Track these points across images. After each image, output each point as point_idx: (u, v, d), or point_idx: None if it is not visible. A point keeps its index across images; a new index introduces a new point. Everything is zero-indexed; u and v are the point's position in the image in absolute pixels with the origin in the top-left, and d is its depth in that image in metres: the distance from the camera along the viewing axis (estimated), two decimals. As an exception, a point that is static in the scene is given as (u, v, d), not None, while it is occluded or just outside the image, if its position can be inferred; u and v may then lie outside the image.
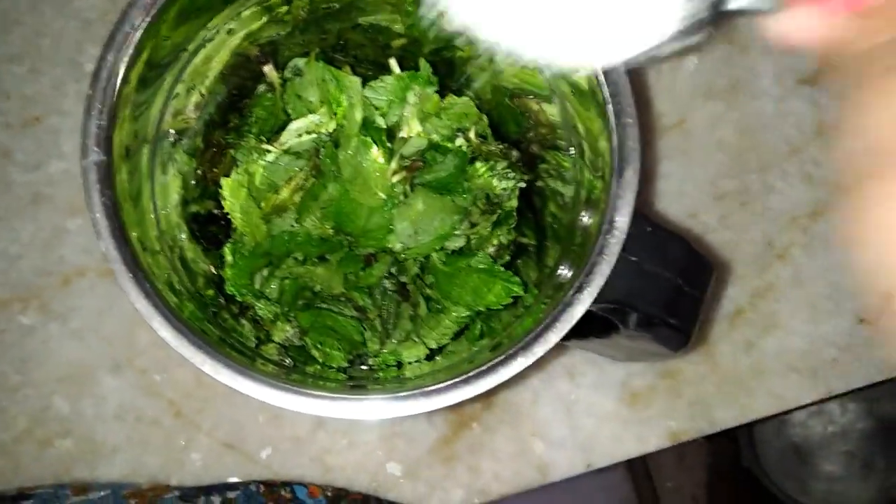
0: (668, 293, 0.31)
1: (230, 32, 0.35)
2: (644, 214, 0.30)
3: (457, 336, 0.39)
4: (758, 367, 0.51)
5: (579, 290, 0.29)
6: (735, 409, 0.51)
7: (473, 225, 0.37)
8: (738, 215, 0.52)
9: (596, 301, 0.29)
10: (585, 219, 0.32)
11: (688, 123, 0.53)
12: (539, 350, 0.29)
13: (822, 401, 0.52)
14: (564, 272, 0.32)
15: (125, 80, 0.30)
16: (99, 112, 0.29)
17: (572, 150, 0.34)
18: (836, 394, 0.52)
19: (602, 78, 0.30)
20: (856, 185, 0.54)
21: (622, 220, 0.29)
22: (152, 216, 0.33)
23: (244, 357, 0.31)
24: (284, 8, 0.36)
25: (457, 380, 0.29)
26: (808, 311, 0.51)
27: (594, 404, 0.50)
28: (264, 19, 0.36)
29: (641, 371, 0.50)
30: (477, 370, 0.29)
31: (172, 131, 0.35)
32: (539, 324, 0.29)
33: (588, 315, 0.30)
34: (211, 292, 0.36)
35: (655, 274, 0.30)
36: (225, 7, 0.34)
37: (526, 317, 0.33)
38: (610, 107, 0.29)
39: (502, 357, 0.29)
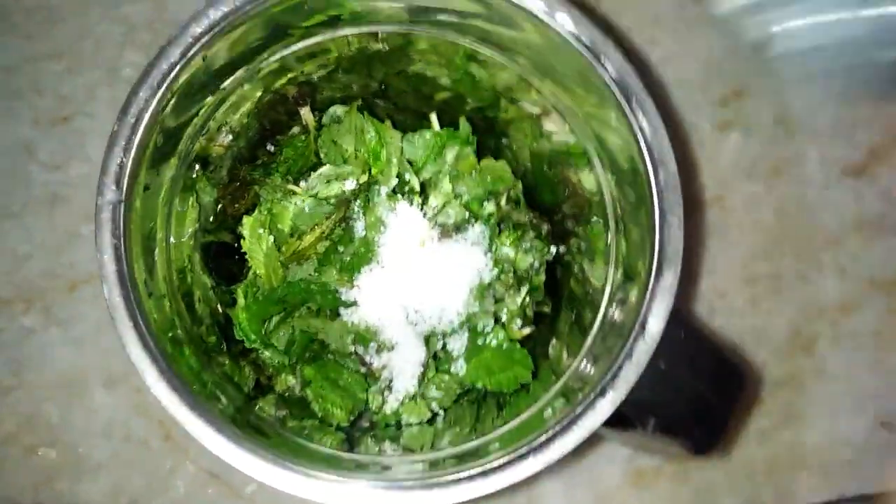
0: (695, 404, 0.29)
1: (270, 72, 0.34)
2: (679, 316, 0.29)
3: (458, 399, 0.38)
4: (770, 459, 0.49)
5: (602, 393, 0.28)
6: (742, 501, 0.49)
7: (498, 300, 0.36)
8: (768, 301, 0.51)
9: (621, 404, 0.28)
10: (616, 314, 0.30)
11: (727, 200, 0.52)
12: (554, 454, 0.27)
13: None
14: (587, 367, 0.31)
15: (153, 118, 0.29)
16: (123, 150, 0.28)
17: (610, 235, 0.33)
18: (845, 496, 0.50)
19: (650, 166, 0.28)
20: (891, 284, 0.53)
21: (656, 327, 0.28)
22: (164, 249, 0.32)
23: (237, 417, 0.30)
24: (332, 48, 0.35)
25: (460, 475, 0.27)
26: (827, 407, 0.49)
27: (596, 479, 0.48)
28: (310, 60, 0.35)
29: (649, 450, 0.49)
30: (484, 467, 0.27)
31: (197, 166, 0.34)
32: (558, 422, 0.28)
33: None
34: (213, 339, 0.34)
35: (683, 382, 0.29)
36: (269, 48, 0.32)
37: (531, 399, 0.32)
38: (656, 200, 0.28)
39: (513, 456, 0.27)
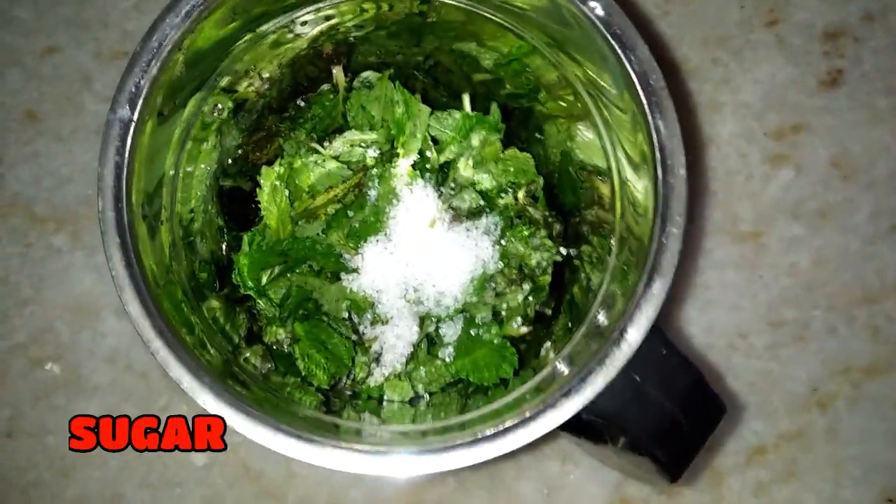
0: (664, 425, 0.28)
1: (305, 23, 0.34)
2: (664, 333, 0.28)
3: (447, 388, 0.37)
4: (763, 513, 0.47)
5: (567, 394, 0.27)
6: (725, 551, 0.47)
7: (499, 294, 0.35)
8: (790, 349, 0.48)
9: (585, 410, 0.27)
10: (601, 318, 0.29)
11: (764, 237, 0.50)
12: (508, 445, 0.27)
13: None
14: (562, 368, 0.30)
15: (177, 46, 0.29)
16: (141, 72, 0.28)
17: (614, 242, 0.32)
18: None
19: (659, 170, 0.27)
20: (925, 353, 0.49)
21: (635, 335, 0.27)
22: (170, 179, 0.32)
23: (222, 368, 0.30)
24: (370, 7, 0.35)
25: (422, 448, 0.27)
26: (833, 471, 0.47)
27: (579, 498, 0.47)
28: (359, 13, 0.34)
29: (639, 478, 0.47)
30: (443, 445, 0.27)
31: (220, 105, 0.34)
32: (518, 416, 0.27)
33: (577, 417, 0.28)
34: (205, 275, 0.35)
35: (656, 401, 0.28)
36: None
37: (504, 398, 0.31)
38: (660, 207, 0.27)
39: (471, 439, 0.27)
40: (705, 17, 0.51)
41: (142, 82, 0.28)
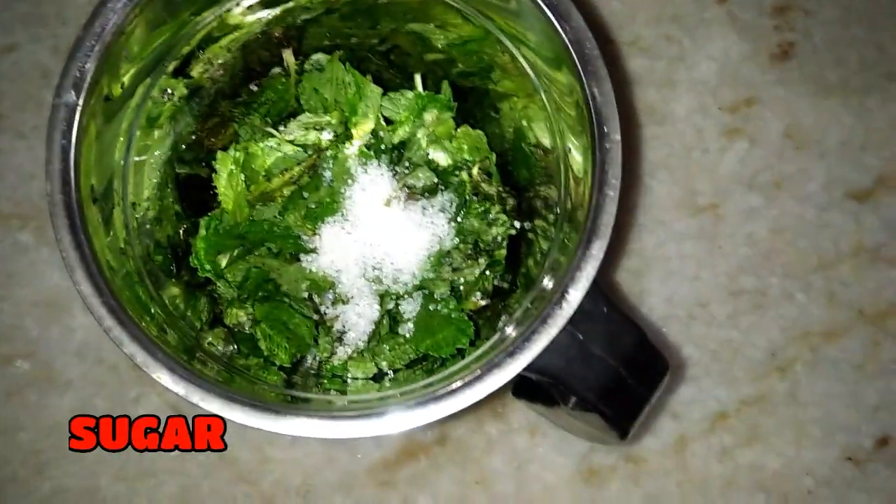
0: (609, 382, 0.29)
1: (249, 8, 0.35)
2: (606, 294, 0.29)
3: (412, 365, 0.38)
4: (727, 477, 0.48)
5: (511, 354, 0.28)
6: (691, 515, 0.48)
7: (456, 269, 0.36)
8: (749, 316, 0.50)
9: (532, 370, 0.28)
10: (546, 282, 0.30)
11: (722, 209, 0.51)
12: (459, 403, 0.28)
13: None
14: (510, 331, 0.31)
15: (121, 31, 0.29)
16: (85, 57, 0.29)
17: (559, 210, 0.33)
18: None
19: (596, 135, 0.28)
20: (880, 316, 0.51)
21: (575, 294, 0.28)
22: (121, 163, 0.33)
23: (183, 351, 0.31)
24: None
25: (365, 412, 0.28)
26: (794, 433, 0.48)
27: (548, 468, 0.48)
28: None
29: (606, 449, 0.48)
30: (383, 407, 0.28)
31: (169, 90, 0.34)
32: (467, 376, 0.28)
33: (530, 381, 0.29)
34: (160, 258, 0.35)
35: (599, 358, 0.28)
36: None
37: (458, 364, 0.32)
38: (597, 171, 0.28)
39: (422, 399, 0.28)
40: (658, -6, 0.52)
41: (86, 67, 0.29)
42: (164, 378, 0.29)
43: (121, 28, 0.29)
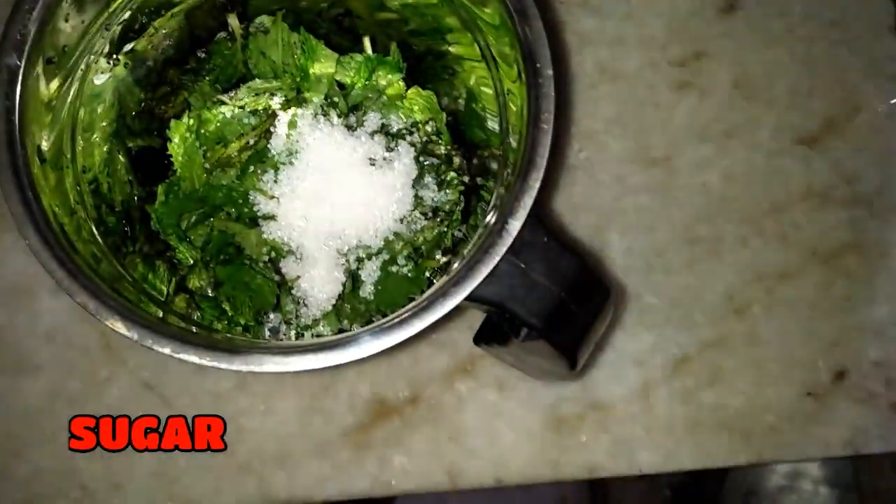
0: (552, 307, 0.30)
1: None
2: (546, 225, 0.30)
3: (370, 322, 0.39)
4: (692, 418, 0.49)
5: (456, 283, 0.29)
6: (659, 457, 0.49)
7: (415, 231, 0.37)
8: (705, 263, 0.51)
9: (478, 300, 0.29)
10: (489, 218, 0.31)
11: (674, 161, 0.52)
12: (407, 332, 0.29)
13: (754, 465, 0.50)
14: (457, 265, 0.32)
15: (61, -6, 0.30)
16: (24, 18, 0.29)
17: (501, 155, 0.34)
18: (764, 461, 0.50)
19: (530, 78, 0.29)
20: (832, 256, 0.53)
21: (514, 224, 0.29)
22: (68, 130, 0.33)
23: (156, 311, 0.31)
24: None
25: (321, 345, 0.29)
26: (754, 372, 0.50)
27: (518, 421, 0.49)
28: None
29: (573, 398, 0.49)
30: (339, 340, 0.29)
31: (116, 56, 0.35)
32: (413, 307, 0.29)
33: (488, 328, 0.29)
34: (113, 220, 0.36)
35: (542, 285, 0.29)
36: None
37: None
38: (531, 105, 0.29)
39: (372, 329, 0.29)
40: (603, -47, 0.53)
41: (27, 28, 0.29)
42: (118, 325, 0.29)
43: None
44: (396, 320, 0.29)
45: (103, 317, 0.29)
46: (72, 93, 0.33)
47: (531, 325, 0.30)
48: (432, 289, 0.30)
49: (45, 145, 0.31)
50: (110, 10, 0.33)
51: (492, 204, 0.32)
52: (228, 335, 0.33)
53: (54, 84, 0.31)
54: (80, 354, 0.49)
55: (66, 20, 0.31)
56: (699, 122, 0.52)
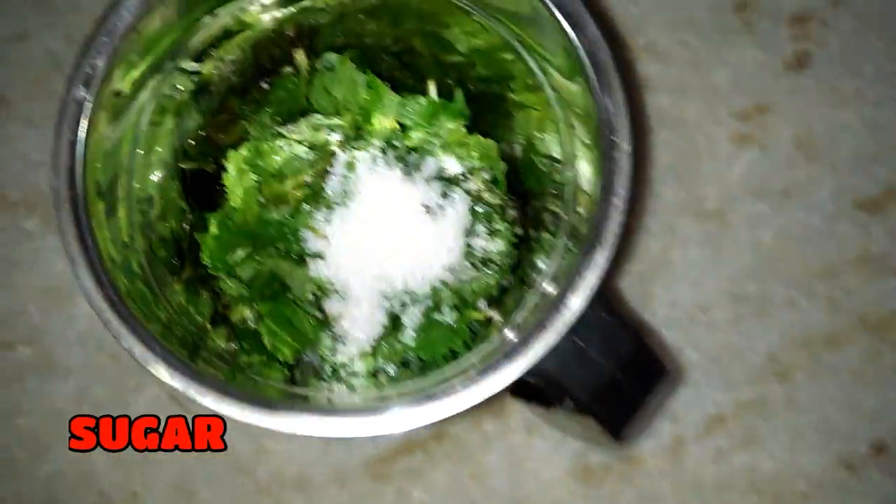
0: (604, 384, 0.29)
1: (264, 7, 0.34)
2: (607, 299, 0.29)
3: (407, 363, 0.38)
4: (722, 479, 0.48)
5: (509, 358, 0.28)
6: (686, 517, 0.48)
7: (463, 280, 0.36)
8: (751, 321, 0.50)
9: (529, 373, 0.28)
10: (546, 285, 0.30)
11: (728, 215, 0.51)
12: (455, 406, 0.28)
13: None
14: (509, 336, 0.31)
15: (134, 28, 0.29)
16: (97, 53, 0.29)
17: (565, 216, 0.33)
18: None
19: (603, 143, 0.28)
20: (882, 325, 0.51)
21: (576, 302, 0.28)
22: (129, 155, 0.32)
23: (185, 347, 0.31)
24: None
25: (363, 409, 0.28)
26: (791, 438, 0.48)
27: (543, 466, 0.48)
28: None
29: (603, 449, 0.48)
30: (381, 406, 0.28)
31: (179, 86, 0.34)
32: (465, 379, 0.28)
33: (527, 382, 0.29)
34: (163, 253, 0.35)
35: (597, 362, 0.29)
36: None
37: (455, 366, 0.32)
38: (604, 178, 0.28)
39: (419, 399, 0.28)
40: (675, 0, 0.52)
41: (97, 62, 0.29)
42: (162, 373, 0.29)
43: (134, 25, 0.29)
44: (443, 389, 0.28)
45: (149, 364, 0.29)
46: (134, 123, 0.32)
47: (580, 401, 0.29)
48: (483, 362, 0.29)
49: (102, 178, 0.30)
50: (182, 42, 0.32)
51: (549, 270, 0.32)
52: (271, 381, 0.33)
53: (119, 116, 0.31)
54: (111, 361, 0.49)
55: (138, 54, 0.30)
56: (757, 177, 0.51)
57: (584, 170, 0.31)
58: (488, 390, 0.28)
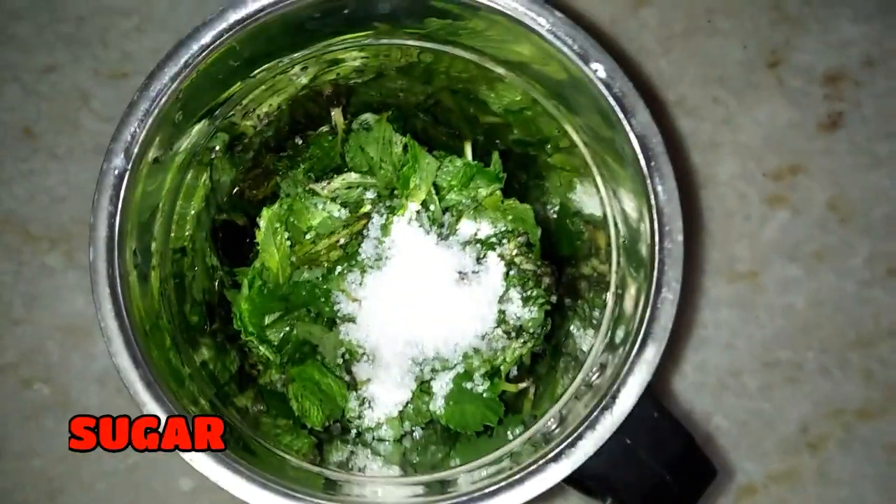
0: (653, 489, 0.28)
1: (303, 69, 0.34)
2: (656, 397, 0.28)
3: (429, 423, 0.37)
4: (751, 555, 0.47)
5: (555, 459, 0.27)
6: (712, 591, 0.47)
7: (495, 349, 0.35)
8: (782, 389, 0.48)
9: (575, 472, 0.27)
10: (594, 377, 0.29)
11: (761, 278, 0.50)
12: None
13: None
14: (552, 426, 0.30)
15: (175, 95, 0.29)
16: (139, 121, 0.28)
17: (609, 298, 0.32)
18: None
19: (656, 234, 0.27)
20: (918, 399, 0.49)
21: (627, 401, 0.27)
22: (164, 221, 0.32)
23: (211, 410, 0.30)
24: (390, 52, 0.34)
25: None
26: (823, 514, 0.47)
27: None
28: (367, 58, 0.34)
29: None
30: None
31: (217, 146, 0.34)
32: (507, 479, 0.27)
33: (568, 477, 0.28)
34: (196, 318, 0.34)
35: (646, 464, 0.27)
36: (300, 46, 0.32)
37: (490, 452, 0.31)
38: (655, 272, 0.27)
39: (451, 501, 0.27)
40: (707, 55, 0.51)
41: (138, 131, 0.28)
42: (195, 459, 0.28)
43: (175, 93, 0.29)
44: (488, 490, 0.27)
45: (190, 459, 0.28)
46: (169, 186, 0.32)
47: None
48: (528, 458, 0.28)
49: (137, 245, 0.30)
50: (221, 106, 0.32)
51: (591, 359, 0.30)
52: (295, 457, 0.32)
53: (155, 181, 0.30)
54: (129, 403, 0.48)
55: (178, 120, 0.30)
56: (790, 240, 0.50)
57: (631, 245, 0.30)
58: (531, 493, 0.27)
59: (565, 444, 0.27)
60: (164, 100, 0.28)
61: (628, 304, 0.30)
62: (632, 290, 0.30)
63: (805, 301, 0.49)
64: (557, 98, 0.33)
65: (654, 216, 0.27)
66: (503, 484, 0.27)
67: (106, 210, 0.28)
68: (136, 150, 0.28)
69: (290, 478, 0.29)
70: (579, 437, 0.27)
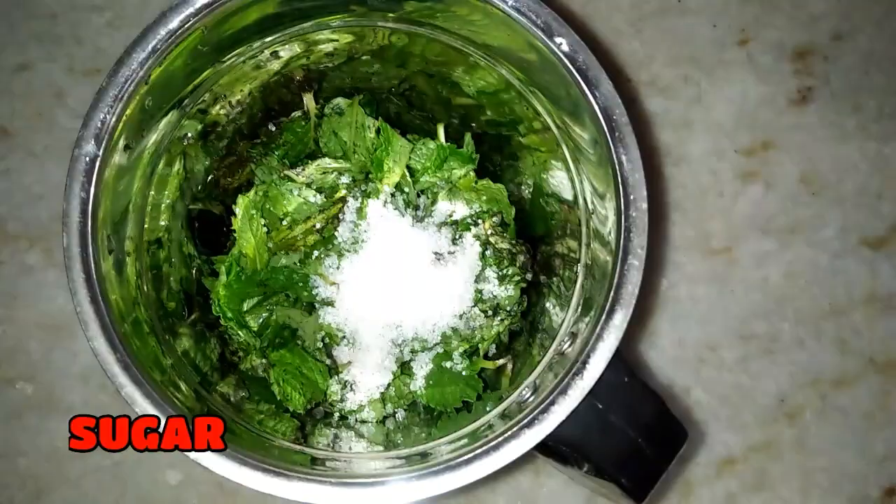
0: (627, 452, 0.29)
1: (272, 54, 0.34)
2: (626, 362, 0.28)
3: (412, 405, 0.38)
4: (732, 524, 0.48)
5: (530, 424, 0.27)
6: (696, 560, 0.47)
7: (474, 327, 0.36)
8: (759, 361, 0.49)
9: (550, 438, 0.27)
10: (566, 346, 0.30)
11: (735, 253, 0.50)
12: (473, 474, 0.27)
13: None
14: (527, 395, 0.30)
15: (143, 81, 0.29)
16: (108, 107, 0.28)
17: (579, 271, 0.32)
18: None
19: (621, 203, 0.27)
20: (891, 365, 0.51)
21: (597, 366, 0.27)
22: (138, 207, 0.32)
23: (192, 401, 0.30)
24: (364, 35, 0.35)
25: (390, 478, 0.27)
26: (801, 480, 0.48)
27: (555, 507, 0.47)
28: (338, 41, 0.34)
29: (611, 491, 0.48)
30: (409, 475, 0.27)
31: (189, 133, 0.34)
32: (483, 446, 0.27)
33: (544, 444, 0.28)
34: (173, 304, 0.35)
35: (619, 428, 0.28)
36: (270, 30, 0.32)
37: (469, 424, 0.32)
38: (621, 240, 0.27)
39: (437, 468, 0.27)
40: (677, 35, 0.51)
41: (108, 117, 0.28)
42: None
43: (144, 78, 0.29)
44: (465, 457, 0.27)
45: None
46: (142, 172, 0.32)
47: (604, 470, 0.29)
48: (503, 427, 0.28)
49: (111, 232, 0.30)
50: (191, 91, 0.32)
51: (563, 329, 0.31)
52: (278, 438, 0.32)
53: (128, 167, 0.31)
54: (113, 400, 0.48)
55: (148, 106, 0.30)
56: (763, 214, 0.51)
57: (598, 218, 0.31)
58: (506, 458, 0.27)
59: (538, 409, 0.27)
60: (133, 86, 0.29)
61: (597, 273, 0.30)
62: (600, 261, 0.30)
63: (779, 274, 0.50)
64: (528, 78, 0.33)
65: (619, 186, 0.28)
66: (479, 451, 0.27)
67: (78, 196, 0.28)
68: (106, 137, 0.28)
69: (273, 453, 0.29)
70: (552, 403, 0.27)
